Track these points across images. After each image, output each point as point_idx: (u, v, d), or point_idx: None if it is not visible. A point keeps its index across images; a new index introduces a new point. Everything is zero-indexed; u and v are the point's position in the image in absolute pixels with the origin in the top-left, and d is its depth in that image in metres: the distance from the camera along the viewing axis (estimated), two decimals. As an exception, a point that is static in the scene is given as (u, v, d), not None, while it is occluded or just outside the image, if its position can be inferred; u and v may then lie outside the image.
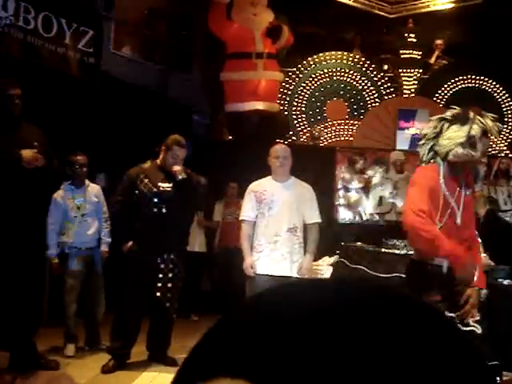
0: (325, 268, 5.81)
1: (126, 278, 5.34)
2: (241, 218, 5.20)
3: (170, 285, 5.38)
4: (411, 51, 11.28)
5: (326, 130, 10.52)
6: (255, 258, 5.00)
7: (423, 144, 3.73)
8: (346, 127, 10.56)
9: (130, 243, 5.35)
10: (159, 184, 5.34)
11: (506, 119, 11.01)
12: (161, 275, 5.34)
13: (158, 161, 5.44)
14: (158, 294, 5.34)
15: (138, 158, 5.65)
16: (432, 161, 3.67)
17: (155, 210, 5.29)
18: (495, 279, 5.90)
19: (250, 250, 5.05)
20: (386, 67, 11.56)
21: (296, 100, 10.92)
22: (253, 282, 5.00)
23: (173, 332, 5.55)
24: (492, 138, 3.63)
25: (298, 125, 10.78)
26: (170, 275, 5.38)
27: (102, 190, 6.25)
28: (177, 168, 5.30)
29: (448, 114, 3.64)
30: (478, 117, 3.53)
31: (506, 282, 5.87)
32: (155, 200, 5.30)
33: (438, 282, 3.50)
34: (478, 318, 3.53)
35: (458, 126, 3.54)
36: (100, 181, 7.31)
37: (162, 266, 5.33)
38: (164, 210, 5.30)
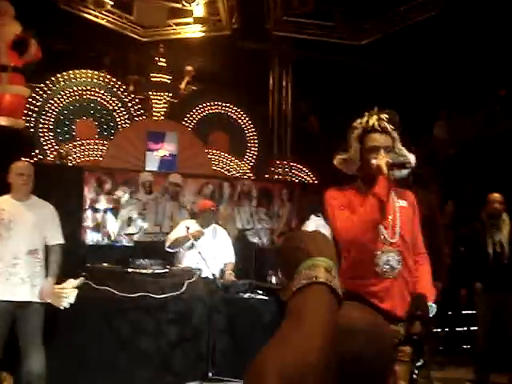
0: (69, 291, 5.63)
1: None
2: (-25, 241, 4.85)
3: None
4: (161, 75, 11.53)
5: (74, 149, 10.26)
6: (-8, 283, 4.69)
7: None
8: (96, 147, 10.41)
9: None
10: None
11: (248, 144, 11.73)
12: None
13: None
14: None
15: None
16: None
17: None
18: (236, 293, 6.25)
19: (-15, 275, 4.73)
20: (131, 88, 11.67)
21: (43, 117, 10.49)
22: (-11, 308, 4.68)
23: None
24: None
25: (44, 143, 10.35)
26: None
27: None
28: None
29: None
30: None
31: (246, 295, 6.25)
32: None
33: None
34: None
35: None
36: None
37: None
38: None
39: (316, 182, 11.57)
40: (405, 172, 3.31)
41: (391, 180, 3.17)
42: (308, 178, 11.73)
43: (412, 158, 3.27)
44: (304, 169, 11.75)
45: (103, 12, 11.31)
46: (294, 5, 11.17)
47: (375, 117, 3.24)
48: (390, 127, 3.23)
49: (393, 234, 3.25)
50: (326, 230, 6.97)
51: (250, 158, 11.58)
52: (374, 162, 3.17)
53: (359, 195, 3.27)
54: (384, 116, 3.24)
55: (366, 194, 3.21)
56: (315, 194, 9.92)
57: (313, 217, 7.01)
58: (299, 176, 11.74)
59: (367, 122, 3.25)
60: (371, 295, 3.18)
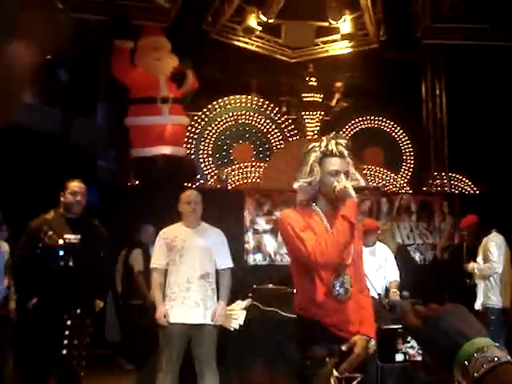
0: (239, 312, 5.77)
1: (31, 335, 5.04)
2: (151, 266, 5.11)
3: (76, 342, 5.10)
4: (312, 94, 11.63)
5: (232, 173, 10.59)
6: (168, 307, 4.91)
7: None
8: (253, 169, 10.68)
9: (35, 300, 4.93)
10: (65, 236, 4.99)
11: (404, 157, 11.47)
12: (67, 332, 5.06)
13: (61, 209, 5.10)
14: (64, 351, 5.03)
15: (41, 207, 5.40)
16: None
17: (61, 263, 4.95)
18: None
19: (162, 299, 4.96)
20: (284, 109, 11.88)
21: (202, 144, 10.96)
22: (166, 331, 4.90)
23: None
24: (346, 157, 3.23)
25: (205, 168, 10.80)
26: (77, 331, 5.11)
27: (6, 241, 5.96)
28: None
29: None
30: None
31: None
32: (61, 253, 4.92)
33: (323, 336, 3.17)
34: (359, 379, 3.09)
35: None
36: (3, 232, 6.97)
37: (69, 322, 5.05)
38: (71, 264, 4.98)
39: (478, 192, 11.05)
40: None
41: (358, 203, 3.15)
42: (469, 189, 11.23)
43: (362, 182, 3.28)
44: (464, 179, 11.27)
45: (252, 38, 11.62)
46: (444, 11, 10.79)
47: (333, 141, 3.23)
48: (346, 152, 3.23)
49: (347, 258, 3.23)
50: (506, 248, 6.67)
51: (406, 172, 11.30)
52: (336, 184, 3.15)
53: (319, 218, 3.25)
54: (341, 141, 3.25)
55: (330, 218, 3.20)
56: (479, 205, 9.47)
57: (494, 232, 6.69)
58: (459, 187, 11.27)
59: (326, 146, 3.22)
60: (329, 323, 3.17)
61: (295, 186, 3.31)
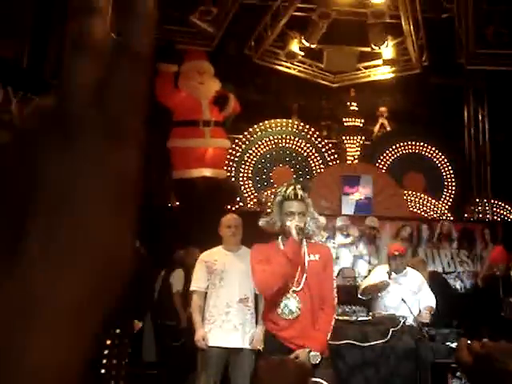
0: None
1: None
2: (191, 289, 5.15)
3: (114, 361, 5.18)
4: (353, 119, 11.64)
5: (272, 196, 10.60)
6: (207, 330, 4.94)
7: None
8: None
9: None
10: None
11: (445, 183, 11.36)
12: (106, 351, 5.14)
13: None
14: (103, 370, 5.12)
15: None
16: None
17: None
18: (443, 343, 5.98)
19: (201, 322, 5.00)
20: (324, 134, 11.90)
21: (243, 166, 11.05)
22: (205, 354, 4.93)
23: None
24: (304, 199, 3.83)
25: (244, 191, 10.87)
26: (116, 351, 5.19)
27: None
28: None
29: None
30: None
31: (453, 344, 5.95)
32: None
33: (278, 347, 3.83)
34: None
35: None
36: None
37: (108, 342, 5.14)
38: None
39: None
40: (317, 230, 3.90)
41: (299, 240, 3.73)
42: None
43: (322, 219, 3.96)
44: (507, 206, 11.10)
45: (294, 62, 11.71)
46: (488, 37, 10.72)
47: (291, 187, 3.83)
48: (303, 195, 3.80)
49: (298, 284, 3.81)
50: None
51: (447, 198, 11.19)
52: (288, 224, 3.75)
53: (278, 251, 3.85)
54: (298, 186, 3.84)
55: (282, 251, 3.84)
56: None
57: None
58: (502, 214, 11.10)
59: (285, 191, 3.82)
60: (282, 337, 3.84)
61: (259, 223, 3.98)
